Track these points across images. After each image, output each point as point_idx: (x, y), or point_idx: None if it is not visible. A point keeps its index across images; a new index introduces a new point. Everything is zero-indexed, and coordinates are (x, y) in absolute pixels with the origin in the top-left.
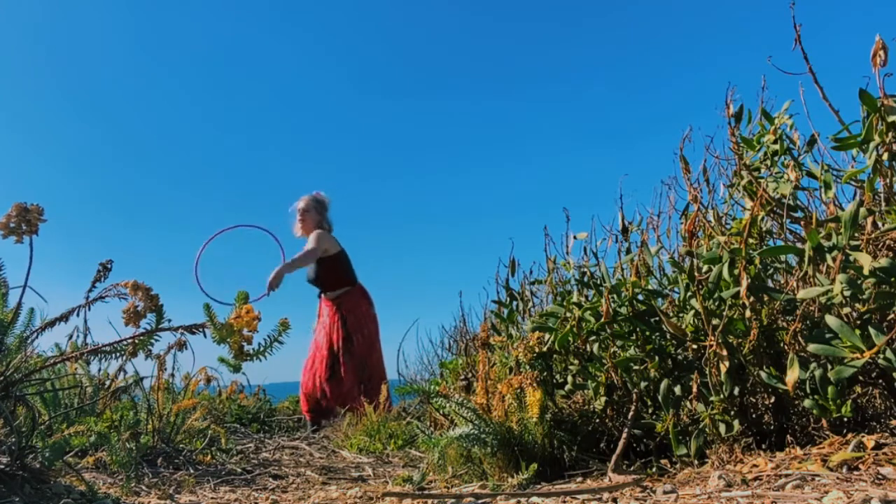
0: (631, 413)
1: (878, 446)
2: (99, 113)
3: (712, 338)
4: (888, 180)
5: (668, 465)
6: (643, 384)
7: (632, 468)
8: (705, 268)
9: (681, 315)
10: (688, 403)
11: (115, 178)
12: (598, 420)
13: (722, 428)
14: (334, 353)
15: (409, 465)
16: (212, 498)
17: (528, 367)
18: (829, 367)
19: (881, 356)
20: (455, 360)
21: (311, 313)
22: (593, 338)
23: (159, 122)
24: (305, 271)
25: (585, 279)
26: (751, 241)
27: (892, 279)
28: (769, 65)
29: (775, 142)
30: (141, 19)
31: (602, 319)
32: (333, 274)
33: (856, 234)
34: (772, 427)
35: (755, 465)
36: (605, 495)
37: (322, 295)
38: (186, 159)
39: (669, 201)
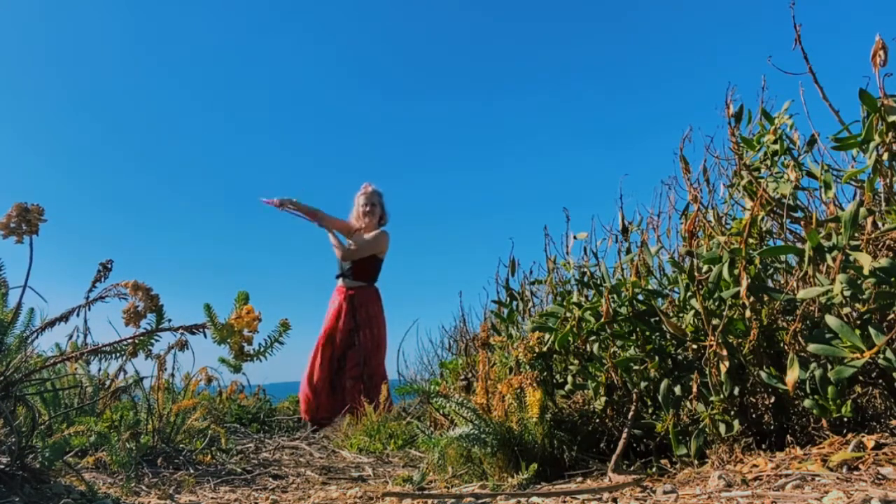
0: (631, 413)
1: (878, 446)
2: (99, 113)
3: (712, 338)
4: (888, 180)
5: (668, 465)
6: (643, 384)
7: (632, 468)
8: (705, 268)
9: (681, 315)
10: (688, 403)
11: (115, 178)
12: (598, 420)
13: (722, 428)
14: (337, 347)
15: (409, 465)
16: (212, 498)
17: (528, 367)
18: (829, 367)
19: (881, 356)
20: (455, 360)
21: (310, 314)
22: (593, 338)
23: (159, 121)
24: (339, 248)
25: (585, 279)
26: (751, 241)
27: (892, 279)
28: (769, 65)
29: (775, 142)
30: (141, 19)
31: (602, 319)
32: (368, 271)
33: (856, 234)
34: (772, 427)
35: (755, 465)
36: (605, 495)
37: (340, 279)
38: (187, 159)
39: (669, 201)
